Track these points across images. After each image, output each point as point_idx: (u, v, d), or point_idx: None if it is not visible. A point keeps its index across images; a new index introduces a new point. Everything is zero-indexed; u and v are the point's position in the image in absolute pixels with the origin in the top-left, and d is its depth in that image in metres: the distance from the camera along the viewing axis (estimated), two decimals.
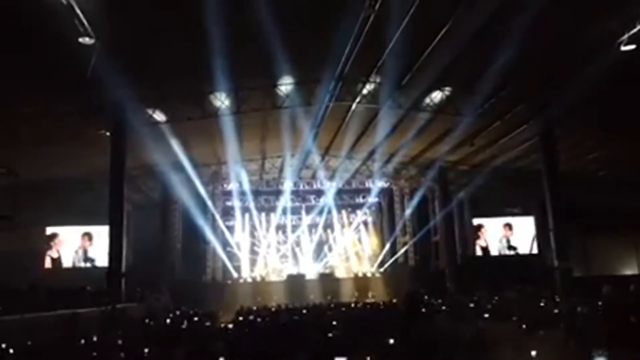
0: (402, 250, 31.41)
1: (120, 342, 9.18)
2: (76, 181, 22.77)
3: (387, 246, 32.06)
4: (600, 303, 13.48)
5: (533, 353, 5.74)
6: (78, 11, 12.08)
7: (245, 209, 31.61)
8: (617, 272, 27.19)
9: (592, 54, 14.47)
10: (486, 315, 12.23)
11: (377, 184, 32.07)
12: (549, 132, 20.97)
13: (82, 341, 9.58)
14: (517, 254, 28.80)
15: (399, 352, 5.71)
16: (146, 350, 7.90)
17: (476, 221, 29.41)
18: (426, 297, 19.66)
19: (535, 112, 20.24)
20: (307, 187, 32.56)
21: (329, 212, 32.20)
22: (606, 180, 25.70)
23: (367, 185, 32.52)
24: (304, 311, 16.63)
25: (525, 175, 25.19)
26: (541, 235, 27.01)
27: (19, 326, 12.11)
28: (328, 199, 31.71)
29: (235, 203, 31.33)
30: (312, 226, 32.69)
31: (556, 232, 20.63)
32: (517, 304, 14.90)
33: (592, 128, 21.10)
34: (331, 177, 31.26)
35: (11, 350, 8.44)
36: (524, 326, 9.56)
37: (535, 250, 28.56)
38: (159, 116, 19.75)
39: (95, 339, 9.96)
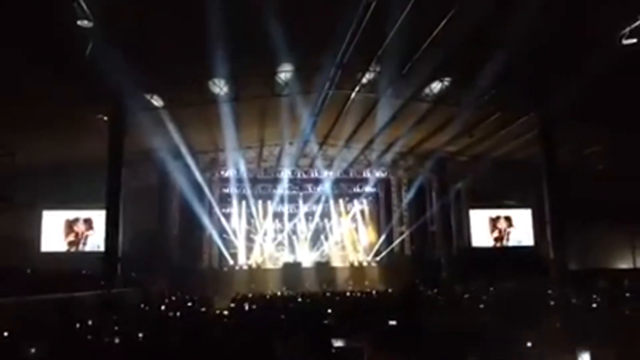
0: (398, 240, 31.46)
1: (116, 327, 9.16)
2: (74, 165, 22.68)
3: (384, 236, 32.10)
4: (595, 296, 13.58)
5: (528, 344, 5.75)
6: None
7: (242, 197, 31.54)
8: (613, 265, 27.30)
9: (593, 46, 14.41)
10: (481, 306, 12.27)
11: (375, 174, 31.98)
12: (548, 124, 20.91)
13: (78, 325, 9.55)
14: (514, 246, 28.90)
15: (395, 338, 5.72)
16: (141, 335, 7.89)
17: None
18: (421, 287, 19.80)
19: (535, 104, 20.20)
20: (304, 176, 32.44)
21: (326, 200, 32.26)
22: (605, 174, 25.70)
23: (364, 174, 32.44)
24: (299, 299, 16.67)
25: (523, 167, 25.17)
26: (538, 227, 27.07)
27: (14, 309, 12.11)
28: (325, 188, 31.69)
29: (233, 190, 31.28)
30: (309, 214, 32.73)
31: (553, 224, 20.66)
32: (513, 296, 14.97)
33: (591, 121, 21.06)
34: (329, 166, 31.18)
35: (5, 334, 8.41)
36: (519, 317, 9.58)
37: (531, 242, 28.69)
38: (157, 101, 19.64)
39: (90, 322, 9.94)
